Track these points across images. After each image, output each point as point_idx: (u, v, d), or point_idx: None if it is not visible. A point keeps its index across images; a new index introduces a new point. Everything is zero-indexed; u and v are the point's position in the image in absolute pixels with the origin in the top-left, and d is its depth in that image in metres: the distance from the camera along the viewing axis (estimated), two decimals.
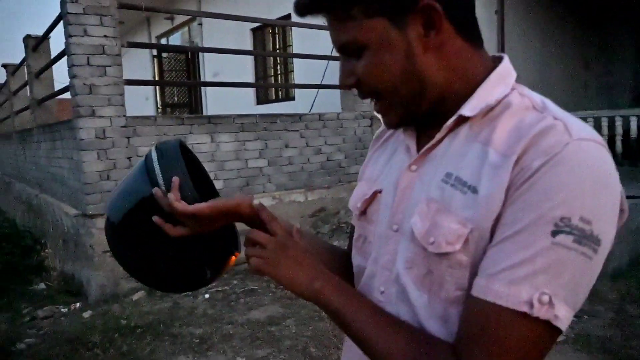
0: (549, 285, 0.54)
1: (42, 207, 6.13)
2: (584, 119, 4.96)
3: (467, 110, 0.66)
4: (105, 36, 4.12)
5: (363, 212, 0.80)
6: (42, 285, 5.11)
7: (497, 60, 0.71)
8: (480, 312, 0.58)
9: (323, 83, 6.26)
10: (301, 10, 0.69)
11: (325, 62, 6.29)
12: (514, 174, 0.58)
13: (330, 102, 6.09)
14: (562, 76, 9.17)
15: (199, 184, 0.88)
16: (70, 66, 4.06)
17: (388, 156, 0.81)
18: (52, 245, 5.25)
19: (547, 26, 8.74)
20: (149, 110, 11.32)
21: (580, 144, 0.57)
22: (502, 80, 0.67)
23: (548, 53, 8.83)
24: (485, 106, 0.65)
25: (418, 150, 0.72)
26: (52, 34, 5.53)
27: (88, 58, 4.06)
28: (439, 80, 0.67)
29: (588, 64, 9.82)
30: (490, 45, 8.03)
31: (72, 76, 4.07)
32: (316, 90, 6.33)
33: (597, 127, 6.31)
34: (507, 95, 0.66)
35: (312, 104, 7.07)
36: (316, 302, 0.67)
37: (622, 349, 2.92)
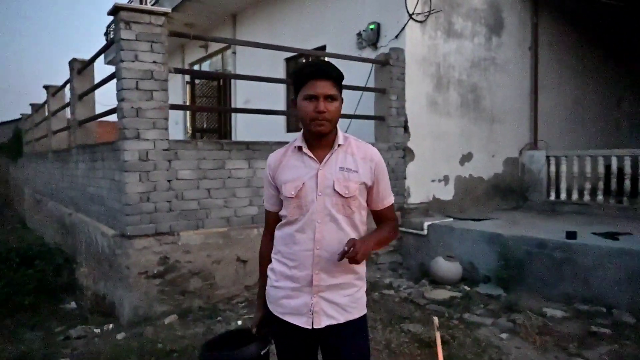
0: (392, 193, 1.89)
1: (76, 225, 6.20)
2: (621, 158, 4.87)
3: (340, 141, 1.73)
4: (154, 62, 4.24)
5: (295, 196, 1.69)
6: (73, 305, 5.11)
7: None
8: (388, 210, 1.84)
9: (356, 113, 6.28)
10: (321, 74, 1.64)
11: (358, 92, 6.33)
12: (370, 164, 1.75)
13: (364, 132, 6.07)
14: (594, 114, 9.08)
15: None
16: (120, 89, 4.17)
17: (299, 166, 1.72)
18: (85, 265, 5.28)
19: (580, 64, 8.71)
20: (178, 134, 11.53)
21: (376, 151, 1.82)
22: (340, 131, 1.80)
23: (580, 90, 8.77)
24: (345, 140, 1.76)
25: (319, 160, 1.70)
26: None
27: (137, 82, 4.17)
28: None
29: (620, 102, 9.73)
30: (523, 81, 8.04)
31: (120, 99, 4.18)
32: (349, 120, 6.36)
33: (634, 166, 6.18)
34: (346, 136, 1.79)
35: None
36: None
37: None
